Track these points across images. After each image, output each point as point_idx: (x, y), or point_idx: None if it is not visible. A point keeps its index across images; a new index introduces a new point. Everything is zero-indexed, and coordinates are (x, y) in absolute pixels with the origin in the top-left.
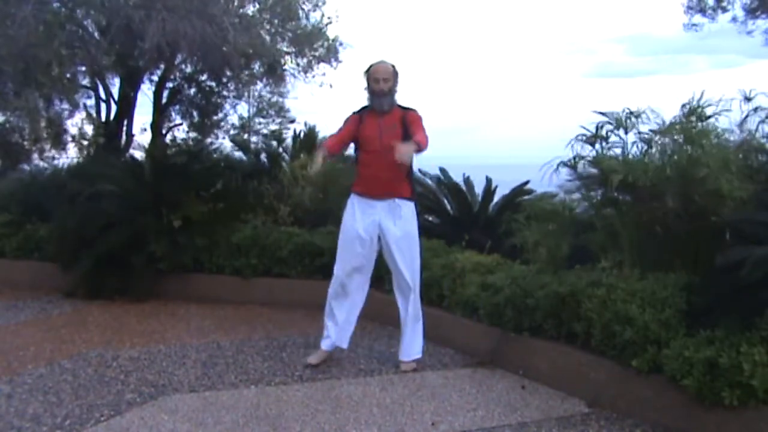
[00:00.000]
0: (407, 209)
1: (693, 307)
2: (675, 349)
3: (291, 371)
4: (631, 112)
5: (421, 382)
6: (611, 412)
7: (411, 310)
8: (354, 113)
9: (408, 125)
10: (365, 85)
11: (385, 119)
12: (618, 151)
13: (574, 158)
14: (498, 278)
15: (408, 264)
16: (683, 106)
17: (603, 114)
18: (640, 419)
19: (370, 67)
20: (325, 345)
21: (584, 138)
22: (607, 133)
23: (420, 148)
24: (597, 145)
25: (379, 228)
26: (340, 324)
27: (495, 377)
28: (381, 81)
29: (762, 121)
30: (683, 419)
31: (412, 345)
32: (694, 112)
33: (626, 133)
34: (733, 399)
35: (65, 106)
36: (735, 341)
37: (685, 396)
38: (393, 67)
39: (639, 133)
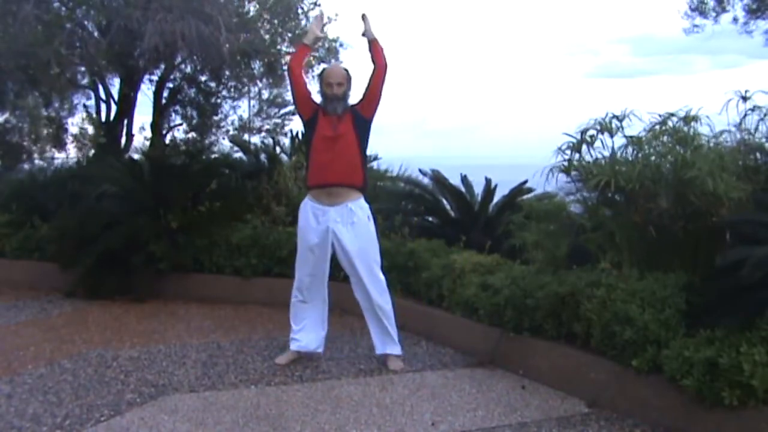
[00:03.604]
0: (361, 213)
1: (693, 307)
2: (675, 349)
3: (291, 371)
4: (615, 116)
5: (421, 382)
6: (611, 412)
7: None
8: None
9: (360, 111)
10: (318, 88)
11: (341, 123)
12: (606, 154)
13: (568, 161)
14: (498, 278)
15: (369, 278)
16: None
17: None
18: (640, 419)
19: (324, 70)
20: (294, 346)
21: (570, 145)
22: (591, 138)
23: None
24: (584, 150)
25: (333, 235)
26: (309, 327)
27: (495, 377)
28: (335, 86)
29: (761, 119)
30: (683, 419)
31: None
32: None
33: (612, 137)
34: (733, 399)
35: (65, 105)
36: (735, 341)
37: (685, 396)
38: (347, 71)
39: (625, 136)
